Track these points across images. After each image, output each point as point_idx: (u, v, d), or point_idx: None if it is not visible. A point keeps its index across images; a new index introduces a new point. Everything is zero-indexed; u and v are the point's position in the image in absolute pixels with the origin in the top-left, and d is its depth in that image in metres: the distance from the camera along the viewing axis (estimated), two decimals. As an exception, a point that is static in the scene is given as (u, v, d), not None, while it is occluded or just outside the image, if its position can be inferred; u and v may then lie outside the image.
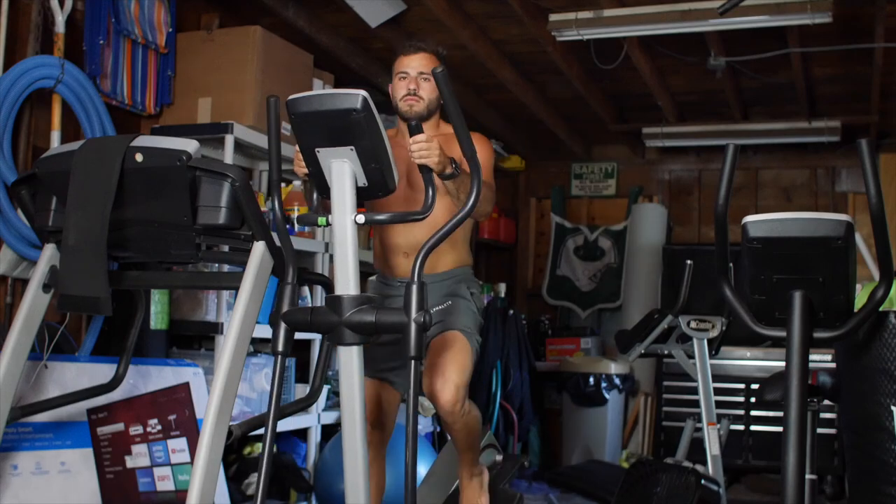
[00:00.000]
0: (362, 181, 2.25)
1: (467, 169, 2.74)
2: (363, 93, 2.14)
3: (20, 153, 3.31)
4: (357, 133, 2.17)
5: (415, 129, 2.46)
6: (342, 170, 2.23)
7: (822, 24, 4.09)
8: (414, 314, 2.16)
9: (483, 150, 2.87)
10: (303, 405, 2.87)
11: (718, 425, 3.98)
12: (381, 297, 3.04)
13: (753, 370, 5.74)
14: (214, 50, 4.01)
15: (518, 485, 5.37)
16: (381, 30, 4.54)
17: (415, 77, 2.90)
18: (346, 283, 2.23)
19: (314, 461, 4.25)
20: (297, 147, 2.41)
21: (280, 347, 2.24)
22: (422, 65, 2.89)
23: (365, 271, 2.73)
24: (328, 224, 2.28)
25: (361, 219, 2.24)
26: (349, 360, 2.21)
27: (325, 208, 2.38)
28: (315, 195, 2.46)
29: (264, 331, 3.75)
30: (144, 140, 2.25)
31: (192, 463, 2.24)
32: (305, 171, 2.35)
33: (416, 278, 2.19)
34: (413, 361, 2.17)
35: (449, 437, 3.09)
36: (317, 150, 2.24)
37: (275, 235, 2.32)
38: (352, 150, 2.20)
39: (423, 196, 2.38)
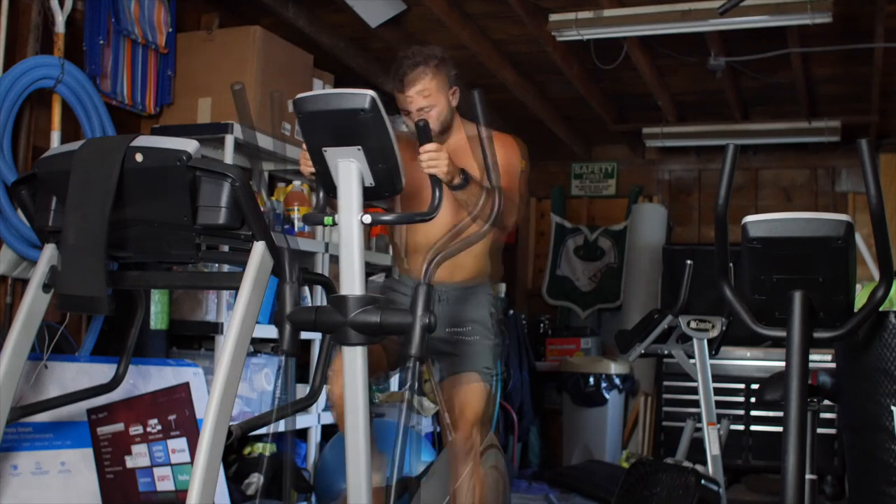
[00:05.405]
0: (369, 181, 2.25)
1: (477, 177, 2.74)
2: (371, 93, 2.14)
3: (20, 153, 3.31)
4: (364, 133, 2.16)
5: (422, 133, 2.46)
6: (349, 169, 2.23)
7: (822, 24, 4.09)
8: (419, 315, 2.16)
9: (508, 154, 2.88)
10: (303, 405, 2.87)
11: (718, 425, 3.98)
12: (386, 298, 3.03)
13: (753, 370, 5.74)
14: (214, 50, 4.01)
15: (518, 485, 5.37)
16: (381, 30, 4.54)
17: (417, 111, 2.88)
18: (352, 283, 2.22)
19: (314, 461, 4.25)
20: (303, 146, 2.41)
21: (287, 347, 2.24)
22: (418, 96, 2.87)
23: (369, 272, 2.73)
24: (334, 224, 2.28)
25: (368, 219, 2.24)
26: (353, 360, 2.21)
27: (333, 207, 2.38)
28: (320, 194, 2.46)
29: (264, 331, 3.80)
30: (144, 140, 2.25)
31: (192, 463, 2.23)
32: (312, 169, 2.35)
33: (424, 280, 2.21)
34: (414, 360, 2.16)
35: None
36: (324, 149, 2.24)
37: (275, 235, 2.32)
38: (359, 149, 2.20)
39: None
